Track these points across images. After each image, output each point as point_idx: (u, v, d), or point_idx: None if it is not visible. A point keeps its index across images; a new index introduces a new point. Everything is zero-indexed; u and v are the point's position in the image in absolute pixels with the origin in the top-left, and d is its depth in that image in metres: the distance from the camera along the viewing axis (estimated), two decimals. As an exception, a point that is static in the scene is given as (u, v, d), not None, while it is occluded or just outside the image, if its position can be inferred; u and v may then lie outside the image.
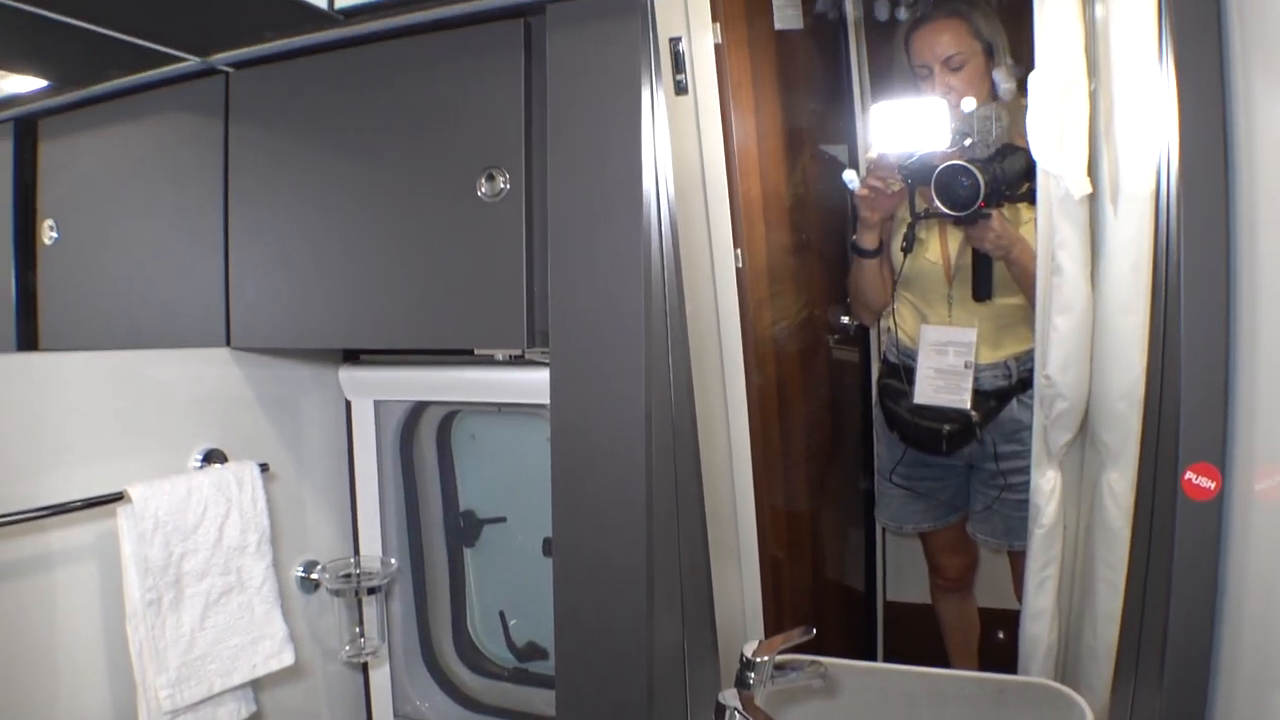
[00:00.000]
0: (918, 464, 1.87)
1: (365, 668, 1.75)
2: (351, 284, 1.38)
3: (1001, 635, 1.87)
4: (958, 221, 1.65)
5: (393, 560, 1.67)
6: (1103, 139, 1.25)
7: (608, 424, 1.22)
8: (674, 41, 1.28)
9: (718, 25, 1.40)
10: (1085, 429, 1.38)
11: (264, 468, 1.44)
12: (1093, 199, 1.27)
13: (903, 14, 1.79)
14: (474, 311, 1.31)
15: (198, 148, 1.49)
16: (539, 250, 1.27)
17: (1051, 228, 1.31)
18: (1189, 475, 1.02)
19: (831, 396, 2.17)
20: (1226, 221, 1.00)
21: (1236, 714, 1.01)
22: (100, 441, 1.32)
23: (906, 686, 1.37)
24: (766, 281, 1.70)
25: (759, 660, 1.21)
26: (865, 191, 1.73)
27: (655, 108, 1.21)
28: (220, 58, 1.42)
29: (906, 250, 1.77)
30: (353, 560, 1.66)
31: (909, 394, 1.80)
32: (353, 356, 1.69)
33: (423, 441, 1.76)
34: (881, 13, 1.87)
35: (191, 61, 1.43)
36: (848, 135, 2.05)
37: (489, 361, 1.55)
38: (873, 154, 1.73)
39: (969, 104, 1.60)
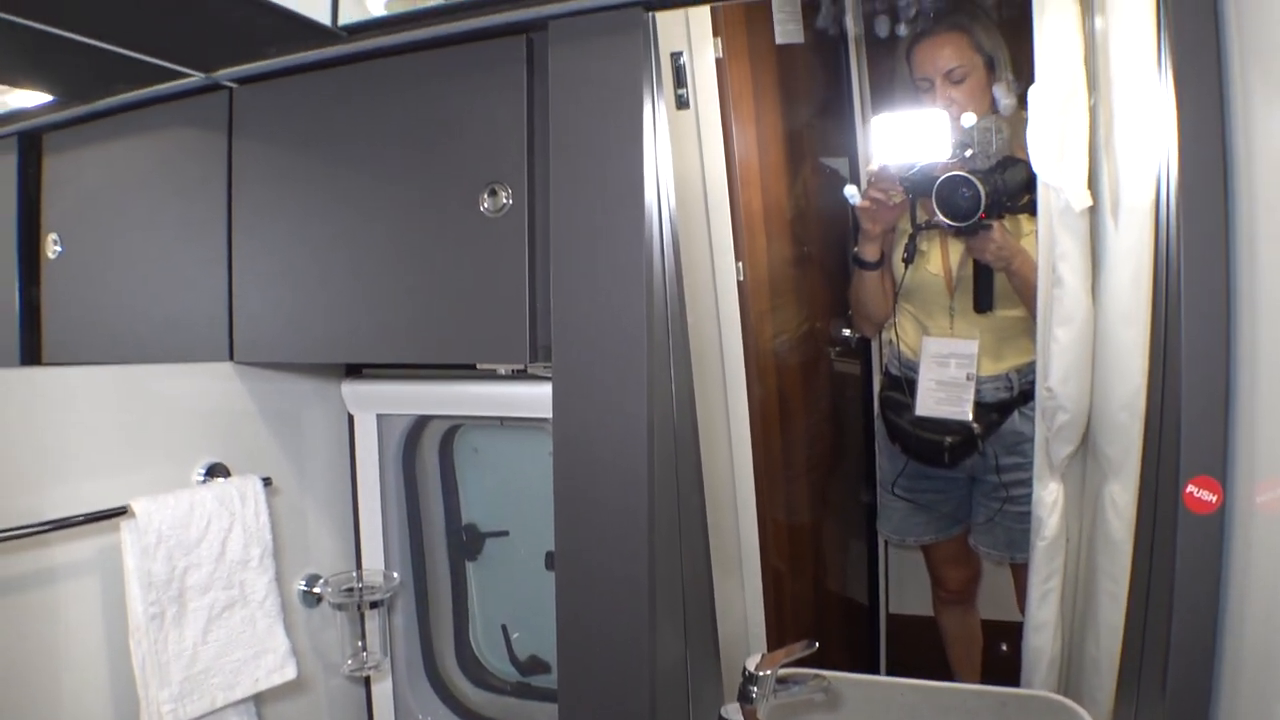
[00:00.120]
0: (919, 476, 1.87)
1: (368, 682, 1.74)
2: (354, 299, 1.39)
3: (1004, 648, 1.86)
4: (959, 232, 1.65)
5: (395, 574, 1.67)
6: (1103, 151, 1.25)
7: (610, 437, 1.22)
8: (675, 56, 1.29)
9: (719, 40, 1.41)
10: (1087, 441, 1.38)
11: (267, 482, 1.44)
12: (1093, 211, 1.28)
13: (903, 30, 1.80)
14: (476, 326, 1.31)
15: (202, 163, 1.50)
16: (541, 265, 1.27)
17: (1052, 239, 1.31)
18: (1190, 488, 1.02)
19: (833, 409, 2.17)
20: (1226, 233, 1.01)
21: (1240, 726, 1.01)
22: (103, 456, 1.32)
23: (909, 700, 1.37)
24: (768, 294, 1.70)
25: (761, 674, 1.21)
26: (867, 203, 1.73)
27: (657, 122, 1.22)
28: (224, 73, 1.43)
29: (908, 262, 1.77)
30: (355, 574, 1.66)
31: (910, 406, 1.79)
32: (355, 371, 1.69)
33: (425, 455, 1.77)
34: (882, 29, 1.87)
35: (196, 77, 1.43)
36: (848, 148, 2.05)
37: (491, 376, 1.55)
38: (874, 166, 1.73)
39: (969, 117, 1.61)
